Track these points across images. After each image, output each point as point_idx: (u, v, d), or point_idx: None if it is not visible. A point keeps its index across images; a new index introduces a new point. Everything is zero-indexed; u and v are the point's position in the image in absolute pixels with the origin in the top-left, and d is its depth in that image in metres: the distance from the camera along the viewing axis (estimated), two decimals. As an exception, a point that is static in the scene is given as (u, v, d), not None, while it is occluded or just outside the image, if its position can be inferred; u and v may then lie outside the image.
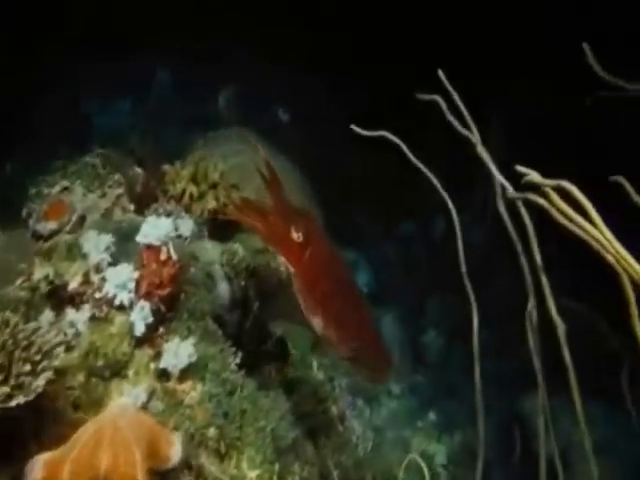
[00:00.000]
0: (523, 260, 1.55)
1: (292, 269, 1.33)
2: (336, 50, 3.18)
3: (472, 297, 1.73)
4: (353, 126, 1.72)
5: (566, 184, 1.11)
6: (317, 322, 1.32)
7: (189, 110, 2.51)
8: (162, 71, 2.38)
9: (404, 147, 1.78)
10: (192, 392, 1.09)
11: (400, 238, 3.23)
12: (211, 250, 1.46)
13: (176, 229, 1.44)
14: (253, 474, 1.10)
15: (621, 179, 1.14)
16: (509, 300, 2.99)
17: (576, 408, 1.46)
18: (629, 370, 1.94)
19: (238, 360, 1.33)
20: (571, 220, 1.13)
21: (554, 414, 2.20)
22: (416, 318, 2.79)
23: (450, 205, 1.77)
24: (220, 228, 1.60)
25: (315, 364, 1.75)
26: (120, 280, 1.10)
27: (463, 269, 1.77)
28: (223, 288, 1.41)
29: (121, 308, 1.08)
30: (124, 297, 1.08)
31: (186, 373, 1.10)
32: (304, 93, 3.00)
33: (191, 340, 1.15)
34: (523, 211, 1.49)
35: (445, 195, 1.78)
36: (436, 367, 2.55)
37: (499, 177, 1.51)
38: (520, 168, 1.21)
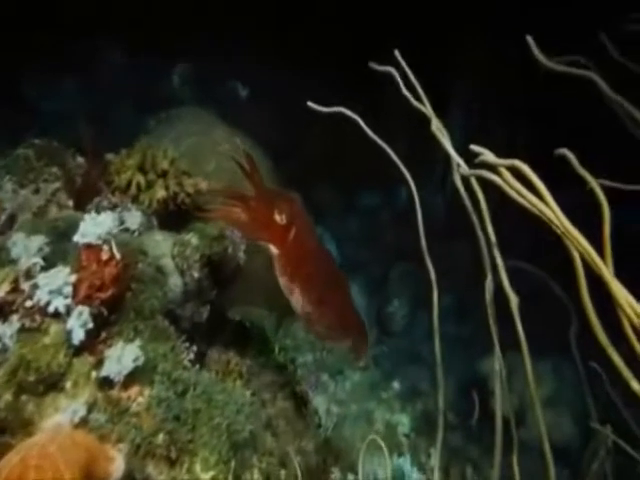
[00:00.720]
0: (480, 233, 1.49)
1: (276, 252, 1.34)
2: (295, 24, 3.02)
3: (432, 274, 1.67)
4: (310, 103, 1.64)
5: (518, 163, 1.04)
6: (299, 302, 1.33)
7: (141, 91, 2.35)
8: (111, 50, 2.20)
9: (362, 123, 1.71)
10: (139, 398, 1.00)
11: (363, 210, 3.15)
12: (162, 242, 1.35)
13: (122, 222, 1.33)
14: (207, 476, 1.03)
15: (566, 152, 1.08)
16: (470, 265, 2.97)
17: (527, 372, 1.43)
18: (577, 329, 1.93)
19: (192, 356, 1.25)
20: (524, 197, 1.06)
21: (514, 369, 2.21)
22: (380, 289, 2.74)
23: (409, 179, 1.70)
24: (172, 217, 1.49)
25: (277, 347, 1.67)
26: (54, 285, 0.99)
27: (423, 244, 1.70)
28: (175, 282, 1.32)
29: (56, 316, 0.98)
30: (59, 304, 0.98)
31: (132, 378, 1.01)
32: (262, 68, 2.85)
33: (137, 342, 1.06)
34: (476, 187, 1.43)
35: (404, 170, 1.71)
36: (400, 336, 2.52)
37: (453, 154, 1.44)
38: (474, 147, 1.14)
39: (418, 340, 2.53)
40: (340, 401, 1.98)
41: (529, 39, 1.05)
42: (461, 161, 1.41)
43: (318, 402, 1.90)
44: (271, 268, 2.11)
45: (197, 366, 1.25)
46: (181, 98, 2.46)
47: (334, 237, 2.94)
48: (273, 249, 1.36)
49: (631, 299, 0.96)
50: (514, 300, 1.36)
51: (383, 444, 1.32)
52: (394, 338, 2.48)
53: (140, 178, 1.40)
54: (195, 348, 1.29)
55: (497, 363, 1.50)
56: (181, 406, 1.06)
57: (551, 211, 1.02)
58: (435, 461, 1.47)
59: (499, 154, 1.22)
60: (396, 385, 2.17)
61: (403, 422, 1.81)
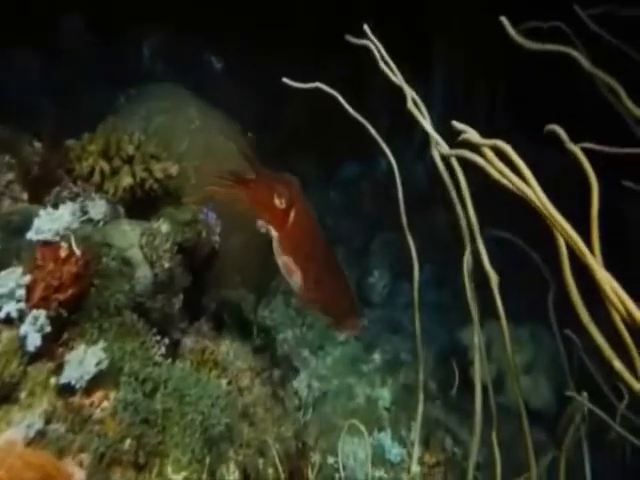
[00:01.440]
0: (459, 210, 1.41)
1: (275, 234, 1.37)
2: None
3: (413, 248, 1.58)
4: (285, 79, 1.54)
5: (501, 144, 0.95)
6: (298, 283, 1.36)
7: (109, 66, 2.19)
8: (74, 22, 2.03)
9: (340, 98, 1.61)
10: (103, 403, 0.93)
11: (343, 182, 3.05)
12: (129, 232, 1.25)
13: (85, 213, 1.22)
14: (179, 477, 0.97)
15: (556, 127, 0.99)
16: (451, 233, 2.90)
17: (506, 346, 1.38)
18: (554, 297, 1.88)
19: (163, 349, 1.18)
20: (507, 179, 0.98)
21: (494, 338, 2.17)
22: (360, 261, 2.66)
23: (388, 153, 1.62)
24: (140, 205, 1.38)
25: (255, 330, 1.60)
26: (5, 288, 0.90)
27: (403, 218, 1.62)
28: (143, 273, 1.22)
29: (8, 322, 0.89)
30: (11, 308, 0.89)
31: (95, 383, 0.93)
32: (238, 40, 2.68)
33: (101, 343, 0.98)
34: (456, 166, 1.34)
35: (383, 144, 1.63)
36: (381, 307, 2.46)
37: (432, 132, 1.35)
38: (456, 124, 1.04)
39: (399, 310, 2.47)
40: (321, 377, 1.93)
41: (503, 19, 0.94)
42: (440, 140, 1.32)
43: (299, 379, 1.84)
44: (247, 247, 2.02)
45: (169, 360, 1.18)
46: (152, 73, 2.30)
47: (314, 209, 2.84)
48: (273, 231, 1.38)
49: (616, 285, 0.89)
50: (494, 278, 1.30)
51: (363, 427, 1.26)
52: (375, 309, 2.42)
53: (104, 165, 1.28)
54: (167, 341, 1.21)
55: (476, 338, 1.45)
56: (150, 407, 0.99)
57: (534, 194, 0.94)
58: (415, 435, 1.43)
59: (480, 128, 1.13)
60: (377, 357, 2.12)
61: (384, 396, 1.76)
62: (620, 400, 1.43)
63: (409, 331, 2.34)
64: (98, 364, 0.94)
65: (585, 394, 1.35)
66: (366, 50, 1.55)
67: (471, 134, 0.96)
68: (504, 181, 0.99)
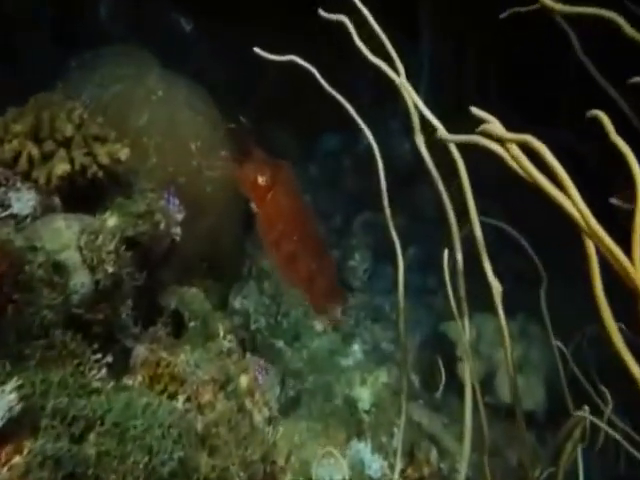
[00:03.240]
0: (451, 217, 1.22)
1: (255, 210, 1.47)
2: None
3: (398, 247, 1.40)
4: (257, 50, 1.34)
5: (532, 140, 0.75)
6: (272, 258, 1.43)
7: (59, 26, 1.90)
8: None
9: (315, 72, 1.42)
10: (15, 459, 0.73)
11: (323, 156, 2.81)
12: (64, 231, 1.03)
13: (7, 207, 1.00)
14: (115, 540, 0.79)
15: (599, 113, 0.79)
16: (437, 213, 2.71)
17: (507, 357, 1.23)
18: (546, 292, 1.73)
19: (105, 372, 0.98)
20: (539, 182, 0.78)
21: (482, 332, 2.02)
22: (340, 242, 2.47)
23: (366, 130, 1.43)
24: (82, 195, 1.16)
25: (222, 330, 1.41)
26: None
27: (385, 203, 1.43)
28: (81, 281, 1.01)
29: None
30: None
31: (4, 434, 0.73)
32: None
33: (14, 381, 0.77)
34: (457, 156, 1.14)
35: (361, 121, 1.43)
36: (361, 292, 2.28)
37: (427, 113, 1.14)
38: (476, 111, 0.84)
39: (381, 295, 2.30)
40: (296, 372, 1.76)
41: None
42: (439, 124, 1.12)
43: (271, 375, 1.67)
44: (215, 231, 1.81)
45: (112, 383, 0.98)
46: (110, 35, 2.02)
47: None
48: (254, 207, 1.49)
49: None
50: (497, 289, 1.12)
51: (340, 457, 1.10)
52: (355, 295, 2.24)
53: (32, 149, 1.05)
54: (110, 359, 1.02)
55: (466, 341, 1.28)
56: (79, 455, 0.80)
57: (572, 203, 0.73)
58: (398, 446, 1.27)
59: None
60: (357, 348, 1.96)
61: (363, 397, 1.60)
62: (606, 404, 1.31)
63: (391, 319, 2.17)
64: (9, 409, 0.74)
65: (586, 408, 1.21)
66: (351, 13, 1.33)
67: (494, 125, 0.75)
68: (534, 182, 0.80)
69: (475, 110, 0.75)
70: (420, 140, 1.25)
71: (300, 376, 1.75)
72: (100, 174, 1.12)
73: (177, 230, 1.37)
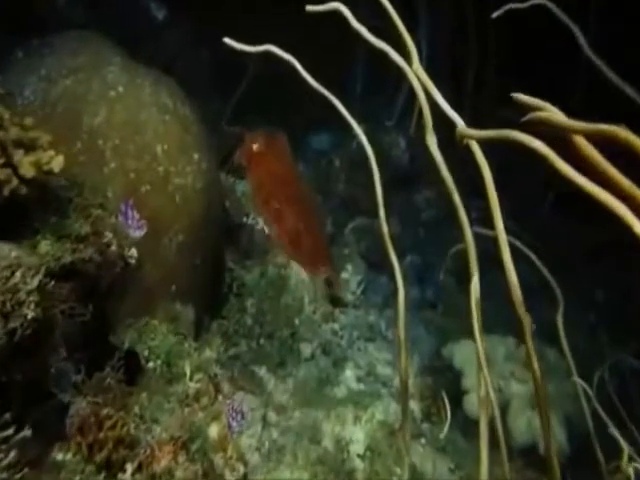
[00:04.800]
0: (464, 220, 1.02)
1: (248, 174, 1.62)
2: None
3: (397, 269, 1.20)
4: (227, 39, 1.15)
5: (622, 132, 0.53)
6: (262, 220, 1.60)
7: (9, 10, 1.66)
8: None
9: (296, 64, 1.22)
10: None
11: (313, 156, 2.58)
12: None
13: None
14: None
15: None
16: (435, 217, 2.49)
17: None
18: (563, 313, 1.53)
19: (14, 455, 0.75)
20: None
21: (489, 357, 1.80)
22: (332, 250, 2.24)
23: (357, 128, 1.26)
24: (4, 217, 0.92)
25: (189, 366, 1.18)
26: None
27: (381, 209, 1.25)
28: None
29: None
30: None
31: None
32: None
33: None
34: (480, 156, 0.93)
35: (350, 119, 1.26)
36: (355, 308, 2.06)
37: (447, 108, 0.93)
38: (520, 97, 0.66)
39: (376, 310, 2.08)
40: (280, 406, 1.54)
41: None
42: (457, 117, 0.91)
43: (250, 416, 1.45)
44: (185, 250, 1.58)
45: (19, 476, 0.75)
46: (69, 21, 1.77)
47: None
48: (248, 177, 1.64)
49: None
50: (528, 324, 0.90)
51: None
52: (347, 311, 2.02)
53: None
54: (29, 432, 0.79)
55: (483, 389, 1.06)
56: None
57: None
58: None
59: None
60: (349, 374, 1.74)
61: (357, 438, 1.38)
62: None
63: (386, 338, 1.95)
64: None
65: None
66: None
67: (555, 113, 0.54)
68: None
69: (520, 96, 0.55)
70: (432, 140, 1.04)
71: (285, 411, 1.54)
72: (23, 190, 0.88)
73: (132, 252, 1.14)
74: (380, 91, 3.02)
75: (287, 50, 1.27)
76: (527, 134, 0.76)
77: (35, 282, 0.83)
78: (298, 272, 1.99)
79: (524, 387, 1.33)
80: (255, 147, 1.71)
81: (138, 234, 1.26)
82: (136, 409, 1.01)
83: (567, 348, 1.27)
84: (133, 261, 1.14)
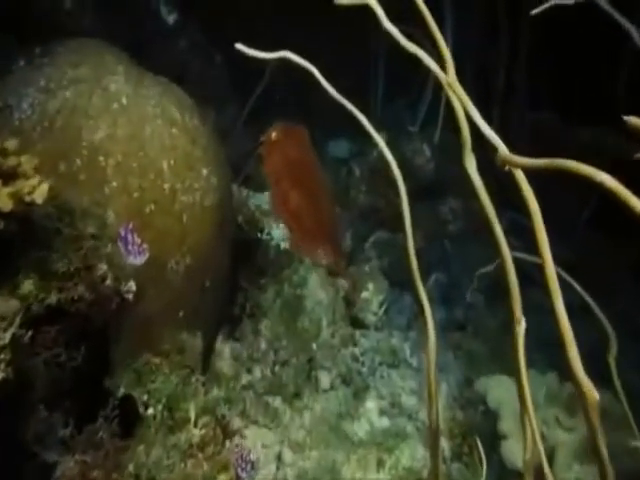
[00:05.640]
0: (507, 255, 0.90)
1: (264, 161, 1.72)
2: None
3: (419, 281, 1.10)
4: (239, 45, 1.05)
5: None
6: (279, 212, 1.61)
7: (13, 15, 1.57)
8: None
9: (315, 71, 1.12)
10: None
11: (332, 165, 2.45)
12: None
13: None
14: None
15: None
16: (463, 232, 2.34)
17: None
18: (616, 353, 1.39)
19: None
20: None
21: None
22: (354, 267, 2.11)
23: (378, 138, 1.15)
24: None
25: (193, 409, 1.07)
26: None
27: (407, 222, 1.15)
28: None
29: None
30: None
31: None
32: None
33: None
34: (526, 186, 0.80)
35: (370, 128, 1.16)
36: (376, 330, 1.92)
37: (484, 127, 0.81)
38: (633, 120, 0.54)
39: (399, 332, 1.95)
40: (296, 444, 1.42)
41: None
42: (499, 141, 0.79)
43: (266, 442, 1.34)
44: (193, 274, 1.46)
45: None
46: (77, 26, 1.68)
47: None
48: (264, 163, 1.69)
49: None
50: (594, 397, 0.76)
51: None
52: (368, 334, 1.88)
53: None
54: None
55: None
56: None
57: None
58: None
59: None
60: (371, 406, 1.61)
61: (381, 488, 1.25)
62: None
63: (411, 365, 1.82)
64: None
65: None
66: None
67: None
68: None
69: (633, 120, 0.43)
70: (471, 162, 0.91)
71: (301, 449, 1.41)
72: (1, 225, 0.78)
73: (130, 286, 1.03)
74: (402, 94, 2.87)
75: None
76: (587, 164, 0.63)
77: (7, 337, 0.72)
78: (315, 291, 1.87)
79: (570, 436, 1.18)
80: (274, 135, 1.76)
81: (139, 261, 1.16)
82: (131, 467, 0.89)
83: (622, 392, 1.12)
84: (131, 296, 1.03)
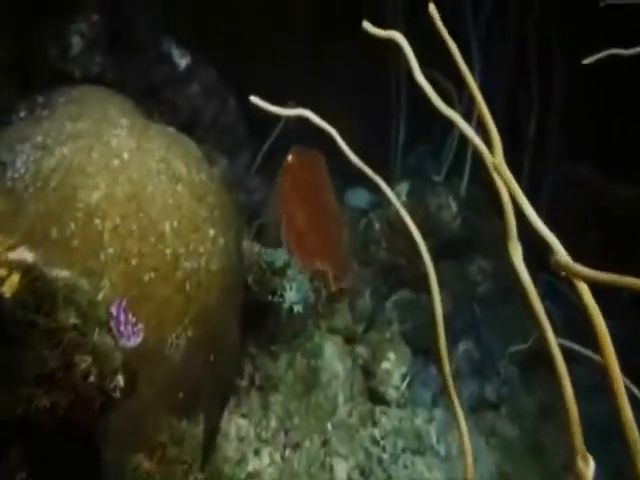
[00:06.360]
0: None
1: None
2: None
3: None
4: (254, 98, 1.00)
5: None
6: (283, 232, 1.68)
7: (17, 61, 1.49)
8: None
9: (333, 131, 1.07)
10: None
11: (349, 215, 2.32)
12: None
13: None
14: None
15: None
16: (493, 295, 2.17)
17: None
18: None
19: None
20: None
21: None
22: (370, 331, 1.95)
23: (388, 191, 1.08)
24: None
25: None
26: None
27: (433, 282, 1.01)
28: None
29: None
30: None
31: None
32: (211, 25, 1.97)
33: None
34: (590, 301, 0.65)
35: (381, 182, 1.08)
36: (399, 407, 1.74)
37: (543, 229, 0.67)
38: None
39: (424, 410, 1.76)
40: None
41: None
42: (560, 247, 0.65)
43: None
44: (196, 349, 1.32)
45: None
46: (86, 70, 1.59)
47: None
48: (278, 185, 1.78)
49: None
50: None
51: None
52: (390, 412, 1.70)
53: None
54: None
55: None
56: None
57: None
58: None
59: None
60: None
61: None
62: None
63: (438, 452, 1.63)
64: None
65: None
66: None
67: None
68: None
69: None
70: (517, 253, 0.76)
71: None
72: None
73: (117, 381, 0.88)
74: (425, 140, 2.75)
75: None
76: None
77: None
78: (331, 362, 1.71)
79: None
80: (289, 158, 1.79)
81: (133, 343, 1.02)
82: None
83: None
84: (117, 394, 0.89)
